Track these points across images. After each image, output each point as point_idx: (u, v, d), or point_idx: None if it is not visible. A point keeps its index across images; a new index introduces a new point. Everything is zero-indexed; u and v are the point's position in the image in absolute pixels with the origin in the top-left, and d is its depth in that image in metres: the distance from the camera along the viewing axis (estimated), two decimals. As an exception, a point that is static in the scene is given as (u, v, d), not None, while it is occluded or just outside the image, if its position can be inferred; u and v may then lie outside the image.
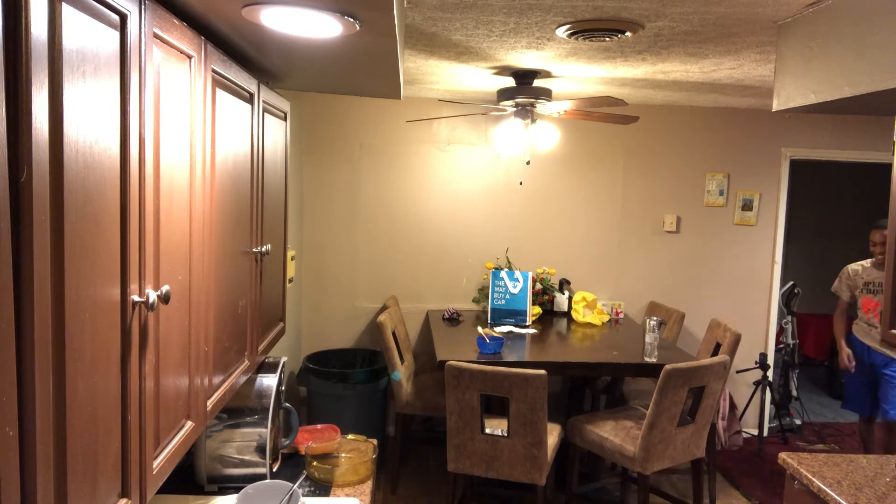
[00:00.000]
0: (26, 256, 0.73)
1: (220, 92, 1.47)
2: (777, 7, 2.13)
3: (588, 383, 4.34)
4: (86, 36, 0.87)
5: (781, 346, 5.13)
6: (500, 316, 4.20)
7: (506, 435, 2.93)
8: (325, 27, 1.46)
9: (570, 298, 4.53)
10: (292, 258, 4.00)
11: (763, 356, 4.68)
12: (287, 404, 2.18)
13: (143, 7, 1.03)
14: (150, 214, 1.10)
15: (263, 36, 1.58)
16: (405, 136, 4.55)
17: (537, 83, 3.49)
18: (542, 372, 2.83)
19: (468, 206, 4.67)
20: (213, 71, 1.43)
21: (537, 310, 4.39)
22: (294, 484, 1.83)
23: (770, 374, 4.73)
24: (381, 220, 4.59)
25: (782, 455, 2.30)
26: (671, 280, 4.80)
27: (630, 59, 3.02)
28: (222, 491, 1.95)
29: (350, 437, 2.29)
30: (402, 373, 3.79)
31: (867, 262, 3.97)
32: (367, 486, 2.03)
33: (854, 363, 4.03)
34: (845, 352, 4.07)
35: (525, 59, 3.07)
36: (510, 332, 3.99)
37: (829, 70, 2.01)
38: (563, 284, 4.66)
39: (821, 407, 5.60)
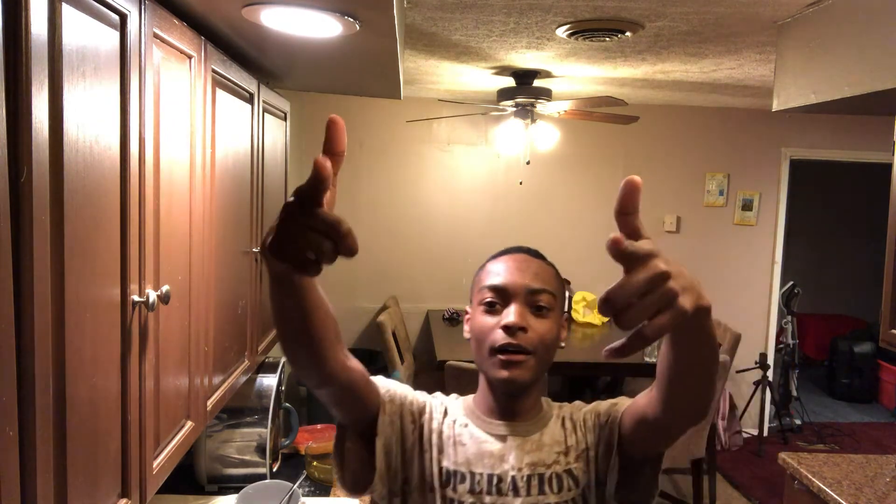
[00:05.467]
0: (26, 256, 0.73)
1: (220, 92, 1.47)
2: (777, 7, 2.13)
3: (588, 383, 4.34)
4: (86, 36, 0.87)
5: (781, 346, 5.13)
6: (500, 316, 4.19)
7: (506, 435, 2.91)
8: (325, 27, 1.46)
9: (570, 298, 4.53)
10: (292, 258, 3.99)
11: (763, 356, 4.68)
12: (287, 404, 2.18)
13: (142, 7, 1.03)
14: (150, 214, 1.10)
15: (263, 36, 1.58)
16: (405, 136, 4.55)
17: (537, 83, 3.49)
18: (542, 372, 2.82)
19: (468, 206, 4.67)
20: (213, 71, 1.43)
21: (537, 310, 4.38)
22: (294, 484, 1.83)
23: (770, 374, 4.73)
24: (381, 220, 4.59)
25: (782, 455, 2.29)
26: (671, 280, 4.79)
27: (630, 59, 3.01)
28: (222, 491, 1.95)
29: (350, 437, 2.29)
30: (402, 373, 3.79)
31: None
32: (367, 486, 2.02)
33: None
34: None
35: (525, 59, 3.07)
36: (510, 332, 3.97)
37: (829, 70, 2.01)
38: (563, 284, 4.65)
39: (821, 407, 5.60)
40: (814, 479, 2.10)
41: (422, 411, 1.08)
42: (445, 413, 1.09)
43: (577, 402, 1.13)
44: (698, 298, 0.63)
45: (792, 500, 2.25)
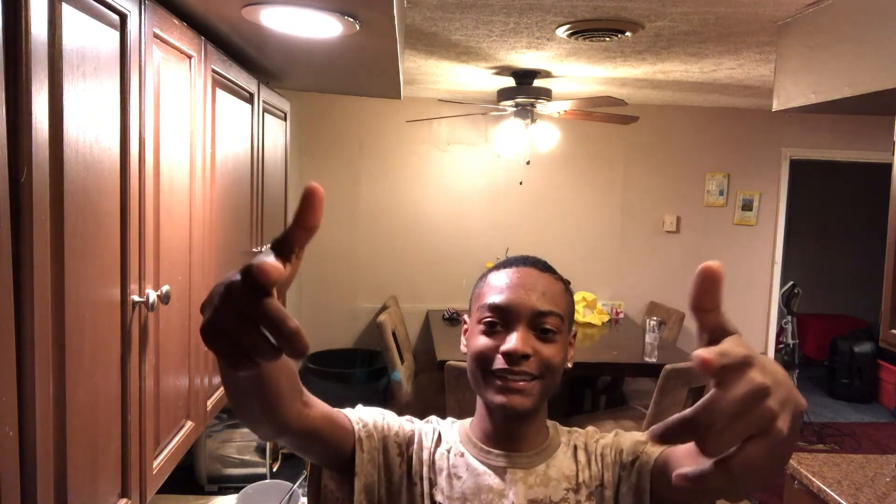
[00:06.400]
0: (26, 256, 0.73)
1: (220, 92, 1.47)
2: (777, 7, 2.13)
3: (588, 383, 4.34)
4: (86, 36, 0.87)
5: (781, 346, 5.13)
6: (500, 316, 4.19)
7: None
8: (325, 27, 1.46)
9: (570, 298, 4.53)
10: (292, 258, 3.99)
11: (763, 356, 4.68)
12: (287, 404, 2.18)
13: (143, 7, 1.03)
14: (150, 214, 1.10)
15: (263, 36, 1.58)
16: (405, 136, 4.55)
17: (537, 83, 3.49)
18: (542, 372, 2.81)
19: (468, 206, 4.67)
20: (213, 71, 1.43)
21: (537, 310, 4.37)
22: (294, 484, 1.83)
23: (770, 374, 4.72)
24: (382, 220, 4.59)
25: (782, 455, 2.29)
26: (671, 280, 4.80)
27: (630, 59, 3.01)
28: (222, 491, 1.95)
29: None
30: (402, 373, 3.79)
31: None
32: (367, 486, 2.02)
33: None
34: None
35: (525, 59, 3.07)
36: (510, 332, 3.97)
37: (829, 70, 2.01)
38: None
39: (821, 407, 5.59)
40: (814, 479, 2.10)
41: (409, 441, 0.96)
42: (439, 441, 0.97)
43: (591, 429, 1.01)
44: (794, 408, 0.49)
45: (792, 500, 2.25)
